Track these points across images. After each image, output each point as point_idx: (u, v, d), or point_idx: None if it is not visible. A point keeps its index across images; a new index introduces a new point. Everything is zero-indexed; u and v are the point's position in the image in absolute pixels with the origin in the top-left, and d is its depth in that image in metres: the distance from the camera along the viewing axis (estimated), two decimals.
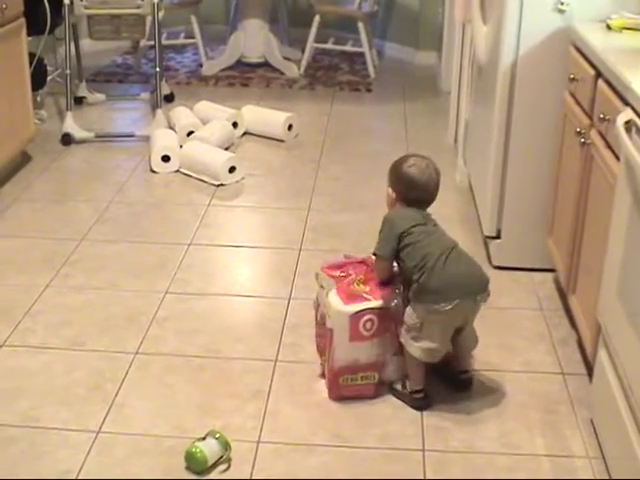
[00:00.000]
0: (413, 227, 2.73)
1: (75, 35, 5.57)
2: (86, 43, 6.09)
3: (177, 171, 4.73)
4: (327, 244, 3.94)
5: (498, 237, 3.70)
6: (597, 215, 2.87)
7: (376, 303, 2.84)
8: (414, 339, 2.75)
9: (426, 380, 2.86)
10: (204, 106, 5.35)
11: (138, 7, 5.28)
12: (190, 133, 5.02)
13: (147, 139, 4.98)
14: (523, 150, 3.52)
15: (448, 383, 2.92)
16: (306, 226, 4.12)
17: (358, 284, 2.92)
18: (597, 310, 2.68)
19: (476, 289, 2.71)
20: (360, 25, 6.44)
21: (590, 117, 2.97)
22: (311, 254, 3.85)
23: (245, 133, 5.30)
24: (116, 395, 2.90)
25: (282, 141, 5.18)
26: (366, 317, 2.82)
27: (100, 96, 5.83)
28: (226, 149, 4.99)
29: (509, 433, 2.78)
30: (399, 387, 2.90)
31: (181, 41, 6.93)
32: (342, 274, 2.96)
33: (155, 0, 5.23)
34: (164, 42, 6.68)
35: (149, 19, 5.35)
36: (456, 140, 5.18)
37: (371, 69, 6.54)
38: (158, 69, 5.25)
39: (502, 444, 2.73)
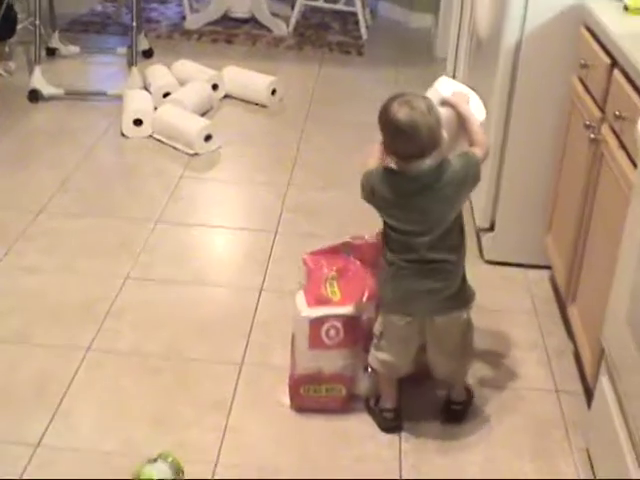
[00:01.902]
0: (382, 203, 2.33)
1: None
2: None
3: (150, 136, 4.37)
4: (305, 227, 3.65)
5: (491, 229, 3.42)
6: (605, 221, 2.57)
7: (343, 310, 2.55)
8: (374, 347, 2.48)
9: (399, 400, 2.59)
10: (183, 65, 5.00)
11: None
12: (166, 95, 4.67)
13: (120, 99, 4.62)
14: (523, 137, 3.22)
15: (439, 411, 2.64)
16: (284, 205, 3.82)
17: (331, 284, 2.61)
18: (602, 333, 2.39)
19: (435, 308, 2.37)
20: None
21: (602, 110, 2.66)
22: (288, 238, 3.57)
23: (226, 96, 4.94)
24: (61, 401, 2.61)
25: (265, 106, 4.83)
26: (329, 324, 2.54)
27: (74, 48, 5.47)
28: (204, 113, 4.66)
29: (495, 459, 2.51)
30: (372, 403, 2.63)
31: None
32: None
33: None
34: None
35: None
36: None
37: (363, 30, 6.19)
38: (135, 23, 4.86)
39: (487, 472, 2.46)
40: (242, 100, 4.93)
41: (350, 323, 2.55)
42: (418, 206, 2.26)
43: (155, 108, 4.53)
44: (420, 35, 6.33)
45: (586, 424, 2.55)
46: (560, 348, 3.00)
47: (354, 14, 6.27)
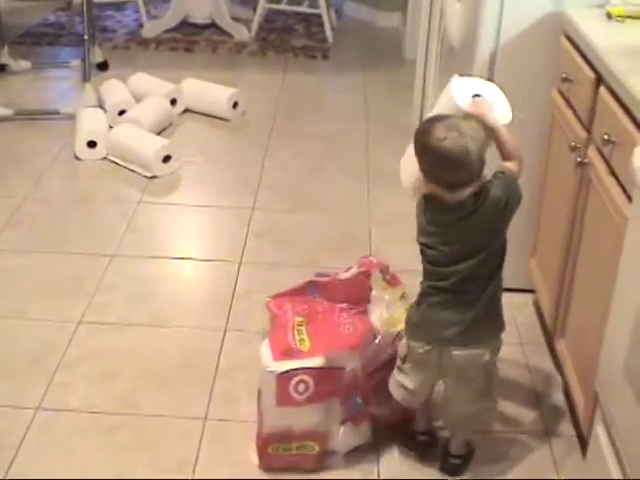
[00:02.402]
0: (427, 235, 2.16)
1: None
2: None
3: (105, 158, 4.11)
4: (272, 255, 3.41)
5: None
6: (595, 251, 2.35)
7: (313, 362, 2.32)
8: (397, 370, 2.31)
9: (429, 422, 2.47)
10: (140, 79, 4.74)
11: None
12: (122, 112, 4.41)
13: (74, 117, 4.35)
14: None
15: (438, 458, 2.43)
16: (249, 230, 3.58)
17: (299, 331, 2.38)
18: (595, 379, 2.16)
19: (455, 340, 2.17)
20: None
21: (588, 130, 2.44)
22: (253, 269, 3.34)
23: (185, 110, 4.68)
24: (9, 468, 2.34)
25: (227, 120, 4.57)
26: (298, 378, 2.31)
27: (25, 64, 5.19)
28: (163, 130, 4.42)
29: None
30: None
31: None
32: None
33: None
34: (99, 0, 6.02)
35: None
36: (421, 118, 4.61)
37: (328, 33, 5.95)
38: (87, 36, 4.59)
39: None
40: (203, 114, 4.66)
41: (322, 376, 2.32)
42: (457, 236, 2.10)
43: (111, 127, 4.27)
44: (388, 35, 6.10)
45: (581, 472, 2.32)
46: (548, 383, 2.79)
47: (319, 16, 6.00)
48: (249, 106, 4.73)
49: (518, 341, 2.98)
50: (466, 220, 2.07)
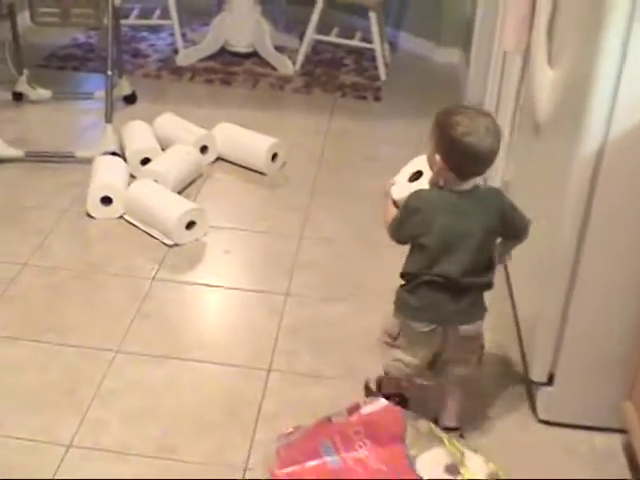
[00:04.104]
0: (428, 232, 2.26)
1: (12, 17, 4.36)
2: None
3: (121, 217, 3.54)
4: (307, 361, 2.86)
5: (550, 383, 2.57)
6: None
7: None
8: (390, 346, 2.43)
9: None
10: (167, 121, 4.18)
11: None
12: (145, 161, 3.83)
13: (90, 162, 3.79)
14: (600, 269, 2.42)
15: None
16: (281, 325, 2.98)
17: None
18: None
19: (461, 319, 2.34)
20: (372, 15, 5.24)
21: None
22: (283, 382, 2.79)
23: (218, 159, 4.09)
24: None
25: (263, 174, 3.98)
26: None
27: (44, 93, 4.65)
28: (190, 183, 3.83)
29: None
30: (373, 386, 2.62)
31: (153, 22, 5.68)
32: None
33: None
34: (132, 22, 5.48)
35: None
36: (485, 183, 3.99)
37: (382, 70, 5.36)
38: (109, 72, 4.03)
39: None
40: (237, 165, 4.08)
41: None
42: (465, 223, 2.25)
43: (132, 176, 3.71)
44: (446, 73, 5.51)
45: None
46: None
47: (371, 49, 5.42)
48: (290, 156, 4.16)
49: None
50: (477, 206, 2.25)
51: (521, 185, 3.13)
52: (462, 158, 2.18)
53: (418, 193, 2.28)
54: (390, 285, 3.03)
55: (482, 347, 2.48)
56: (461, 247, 2.24)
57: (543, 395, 2.64)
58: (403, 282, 2.38)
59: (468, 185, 2.24)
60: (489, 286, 2.36)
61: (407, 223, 2.29)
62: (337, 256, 3.43)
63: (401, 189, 2.40)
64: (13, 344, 2.84)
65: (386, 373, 2.50)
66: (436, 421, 2.45)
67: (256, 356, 2.85)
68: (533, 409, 2.69)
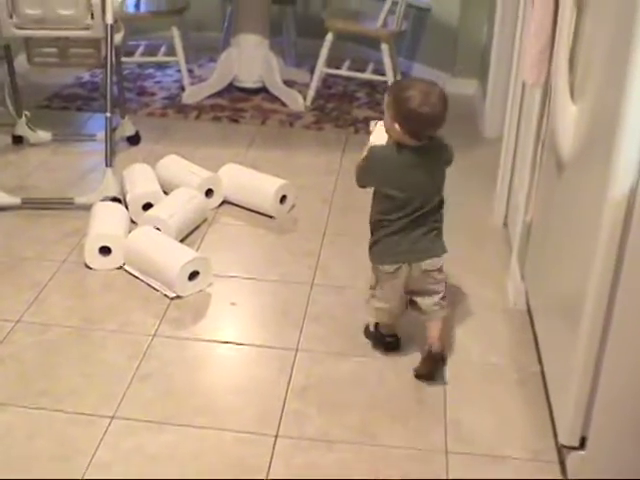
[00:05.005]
0: (392, 183, 2.68)
1: (9, 59, 4.19)
2: None
3: (120, 268, 3.33)
4: (317, 424, 2.65)
5: (582, 447, 2.33)
6: None
7: None
8: (371, 297, 2.86)
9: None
10: (171, 163, 3.99)
11: (87, 28, 3.89)
12: (147, 206, 3.64)
13: (90, 208, 3.60)
14: (636, 320, 2.20)
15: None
16: (290, 385, 2.76)
17: None
18: None
19: (421, 257, 2.74)
20: (384, 47, 5.07)
21: None
22: (291, 449, 2.57)
23: (224, 202, 3.89)
24: None
25: (271, 217, 3.78)
26: None
27: (44, 135, 4.48)
28: (195, 229, 3.63)
29: None
30: (371, 328, 3.00)
31: (159, 58, 5.50)
32: None
33: (109, 21, 3.81)
34: (138, 59, 5.31)
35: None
36: (506, 222, 3.80)
37: None
38: (109, 114, 3.84)
39: None
40: (243, 208, 3.88)
41: None
42: (424, 173, 2.67)
43: (132, 221, 3.52)
44: (462, 105, 5.29)
45: None
46: None
47: (385, 82, 5.23)
48: (299, 197, 3.97)
49: None
50: (429, 159, 2.67)
51: (544, 225, 2.93)
52: (418, 125, 2.58)
53: (380, 149, 2.67)
54: (406, 339, 2.84)
55: (445, 279, 2.85)
56: (419, 193, 2.66)
57: (574, 459, 2.42)
58: (371, 231, 2.77)
59: (421, 142, 2.62)
60: (441, 222, 2.78)
61: (370, 174, 2.71)
62: (350, 306, 3.22)
63: (379, 136, 2.73)
64: (2, 410, 2.64)
65: (376, 322, 2.94)
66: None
67: (263, 420, 2.65)
68: (563, 472, 2.45)
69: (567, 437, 2.41)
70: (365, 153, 2.70)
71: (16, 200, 3.81)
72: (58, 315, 3.12)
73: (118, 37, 4.04)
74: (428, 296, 2.83)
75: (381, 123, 2.73)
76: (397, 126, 2.59)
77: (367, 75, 5.36)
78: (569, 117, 2.51)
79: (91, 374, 2.82)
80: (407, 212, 2.67)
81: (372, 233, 2.78)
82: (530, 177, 3.22)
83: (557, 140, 2.64)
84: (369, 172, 2.71)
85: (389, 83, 5.15)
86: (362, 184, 2.78)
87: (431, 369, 2.83)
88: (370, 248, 2.79)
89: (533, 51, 2.89)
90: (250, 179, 3.93)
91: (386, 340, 2.95)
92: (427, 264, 2.75)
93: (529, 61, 2.91)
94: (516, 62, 3.74)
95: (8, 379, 2.78)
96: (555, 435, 2.52)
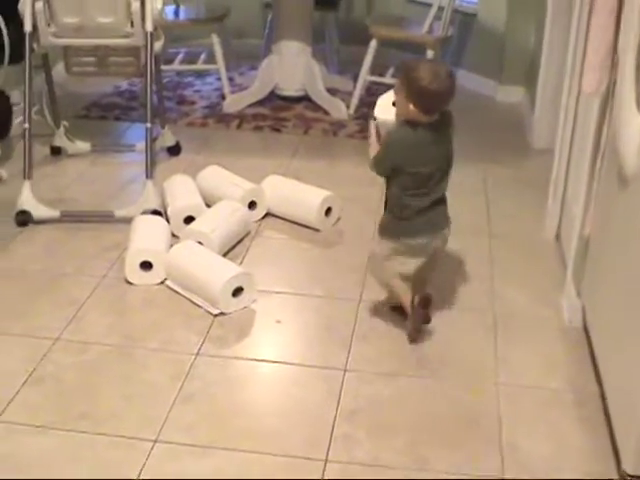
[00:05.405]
0: (414, 161, 2.81)
1: (47, 68, 4.11)
2: None
3: (162, 283, 3.23)
4: (367, 448, 2.54)
5: None
6: None
7: None
8: (387, 261, 2.98)
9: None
10: (213, 175, 3.90)
11: (126, 36, 3.80)
12: (189, 218, 3.53)
13: (130, 221, 3.50)
14: None
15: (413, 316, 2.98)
16: (339, 407, 2.63)
17: None
18: None
19: (442, 227, 2.98)
20: (429, 54, 4.93)
21: None
22: (343, 474, 2.43)
23: (267, 214, 3.78)
24: None
25: (317, 230, 3.66)
26: None
27: (83, 145, 4.41)
28: (238, 243, 3.52)
29: None
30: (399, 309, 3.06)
31: (199, 67, 5.41)
32: None
33: (149, 28, 3.72)
34: (177, 67, 5.22)
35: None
36: (558, 237, 3.66)
37: None
38: (149, 124, 3.75)
39: None
40: (287, 221, 3.76)
41: None
42: (440, 147, 2.84)
43: (174, 235, 3.41)
44: (509, 113, 5.23)
45: None
46: None
47: None
48: (344, 209, 3.83)
49: None
50: (443, 133, 2.83)
51: (604, 240, 2.79)
52: (431, 101, 2.74)
53: (395, 132, 2.83)
54: (448, 356, 2.70)
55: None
56: (440, 165, 2.85)
57: None
58: (389, 209, 2.93)
59: (433, 118, 2.78)
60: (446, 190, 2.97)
61: (392, 157, 2.83)
62: (398, 322, 3.11)
63: (384, 110, 2.93)
64: (43, 434, 2.54)
65: (389, 291, 3.07)
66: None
67: (311, 444, 2.53)
68: None
69: (632, 465, 2.27)
70: (383, 140, 2.88)
71: (55, 213, 3.72)
72: (98, 333, 3.02)
73: (158, 45, 3.95)
74: (432, 268, 3.08)
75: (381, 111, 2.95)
76: (411, 106, 2.74)
77: None
78: (634, 129, 2.37)
79: (132, 395, 2.72)
80: (430, 186, 2.84)
81: (392, 211, 2.93)
82: (587, 190, 3.08)
83: (620, 152, 2.50)
84: (391, 156, 2.83)
85: None
86: (384, 172, 2.90)
87: (424, 317, 3.01)
88: (390, 223, 2.95)
89: (594, 59, 2.75)
90: (294, 191, 3.81)
91: (417, 311, 2.98)
92: (446, 233, 3.00)
93: (589, 69, 2.78)
94: (569, 69, 3.60)
95: (48, 400, 2.69)
96: (618, 461, 2.38)
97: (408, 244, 2.92)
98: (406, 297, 2.98)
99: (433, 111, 2.79)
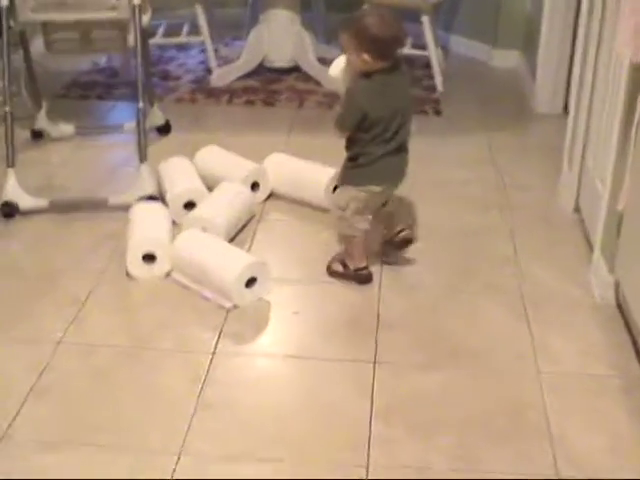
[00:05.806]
0: (377, 106, 2.85)
1: (25, 45, 3.84)
2: None
3: (168, 276, 3.00)
4: (410, 450, 2.34)
5: None
6: None
7: None
8: (350, 218, 2.99)
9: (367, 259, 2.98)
10: (211, 155, 3.66)
11: (111, 9, 3.53)
12: (189, 205, 3.30)
13: (127, 208, 3.26)
14: None
15: (391, 249, 3.14)
16: (373, 406, 2.45)
17: None
18: None
19: (403, 174, 3.04)
20: (425, 19, 4.69)
21: None
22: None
23: (271, 195, 3.55)
24: None
25: (326, 210, 3.44)
26: None
27: (66, 128, 4.14)
28: (243, 227, 3.30)
29: None
30: (340, 269, 3.04)
31: (183, 39, 5.14)
32: None
33: (136, 0, 3.46)
34: (160, 40, 4.95)
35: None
36: (577, 209, 3.46)
37: (438, 80, 4.83)
38: (141, 104, 3.49)
39: None
40: (293, 200, 3.53)
41: None
42: (398, 90, 2.91)
43: (174, 223, 3.17)
44: (506, 79, 5.03)
45: None
46: None
47: (425, 57, 4.87)
48: None
49: None
50: (398, 75, 2.91)
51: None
52: (384, 45, 2.79)
53: (353, 85, 2.86)
54: (482, 343, 2.51)
55: None
56: (400, 108, 2.89)
57: None
58: (352, 157, 2.94)
59: (388, 63, 2.82)
60: (409, 135, 2.99)
61: (355, 110, 2.84)
62: (424, 308, 2.91)
63: (337, 70, 2.97)
64: (52, 451, 2.31)
65: (348, 240, 3.05)
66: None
67: (349, 448, 2.33)
68: None
69: None
70: (343, 98, 2.90)
71: (43, 203, 3.47)
72: (103, 334, 2.80)
73: (145, 19, 3.68)
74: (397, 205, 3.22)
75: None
76: (365, 55, 2.77)
77: (406, 50, 4.97)
78: None
79: (148, 403, 2.50)
80: (393, 130, 2.88)
81: (356, 160, 2.93)
82: (615, 162, 2.89)
83: None
84: (354, 109, 2.84)
85: (431, 59, 4.81)
86: (349, 127, 2.89)
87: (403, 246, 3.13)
88: (352, 170, 2.97)
89: (628, 24, 2.55)
90: (299, 169, 3.59)
91: (361, 273, 3.02)
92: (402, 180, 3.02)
93: (627, 32, 2.57)
94: (583, 33, 3.41)
95: (56, 413, 2.46)
96: None
97: (371, 191, 2.94)
98: (360, 262, 3.03)
99: (388, 55, 2.83)
